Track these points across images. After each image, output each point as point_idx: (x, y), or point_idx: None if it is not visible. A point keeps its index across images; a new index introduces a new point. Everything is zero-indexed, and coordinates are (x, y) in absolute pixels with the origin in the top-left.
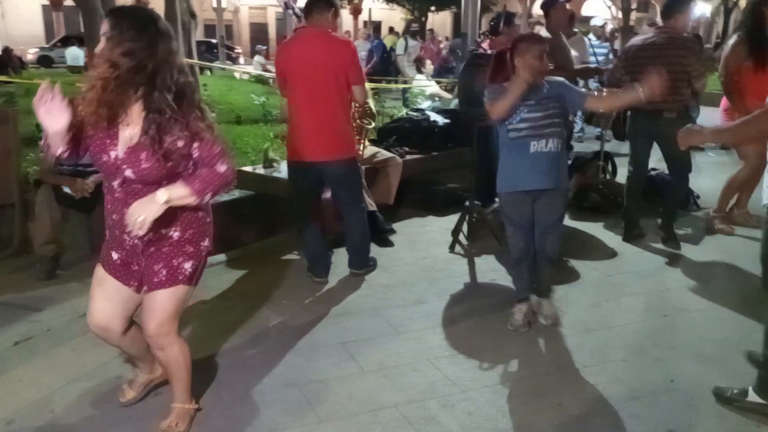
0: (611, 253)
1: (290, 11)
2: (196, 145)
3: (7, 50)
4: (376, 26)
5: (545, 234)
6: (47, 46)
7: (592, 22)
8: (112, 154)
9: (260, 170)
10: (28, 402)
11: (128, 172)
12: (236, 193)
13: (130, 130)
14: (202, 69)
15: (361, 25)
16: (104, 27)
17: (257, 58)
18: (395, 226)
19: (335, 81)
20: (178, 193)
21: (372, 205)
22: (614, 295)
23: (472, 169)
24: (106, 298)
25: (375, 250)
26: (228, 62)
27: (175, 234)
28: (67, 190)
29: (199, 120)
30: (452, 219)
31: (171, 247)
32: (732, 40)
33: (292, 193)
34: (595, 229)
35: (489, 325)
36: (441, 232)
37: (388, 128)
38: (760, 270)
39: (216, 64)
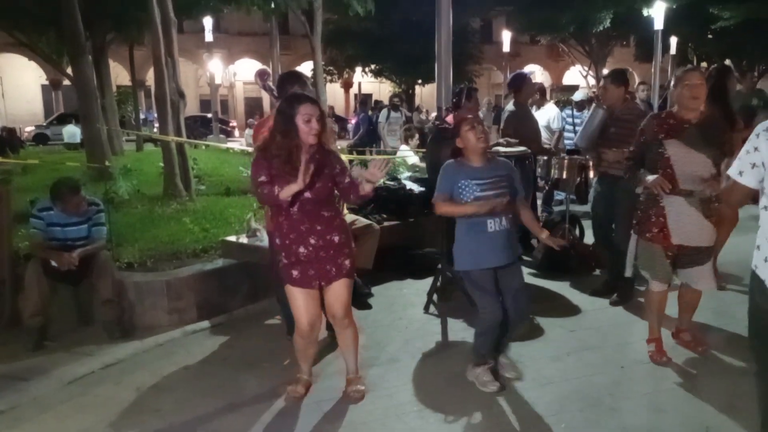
0: (575, 310)
1: (268, 91)
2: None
3: (10, 130)
4: (363, 100)
5: (517, 297)
6: (43, 124)
7: (575, 96)
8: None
9: (243, 239)
10: None
11: (307, 194)
12: (220, 262)
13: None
14: (195, 144)
15: (351, 98)
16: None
17: (248, 131)
18: (374, 289)
19: None
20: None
21: None
22: (575, 349)
23: (443, 233)
24: (305, 306)
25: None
26: (222, 135)
27: (336, 238)
28: (54, 263)
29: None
30: (429, 281)
31: (334, 250)
32: None
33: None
34: (561, 287)
35: (457, 381)
36: (418, 294)
37: None
38: (724, 327)
39: (201, 141)
